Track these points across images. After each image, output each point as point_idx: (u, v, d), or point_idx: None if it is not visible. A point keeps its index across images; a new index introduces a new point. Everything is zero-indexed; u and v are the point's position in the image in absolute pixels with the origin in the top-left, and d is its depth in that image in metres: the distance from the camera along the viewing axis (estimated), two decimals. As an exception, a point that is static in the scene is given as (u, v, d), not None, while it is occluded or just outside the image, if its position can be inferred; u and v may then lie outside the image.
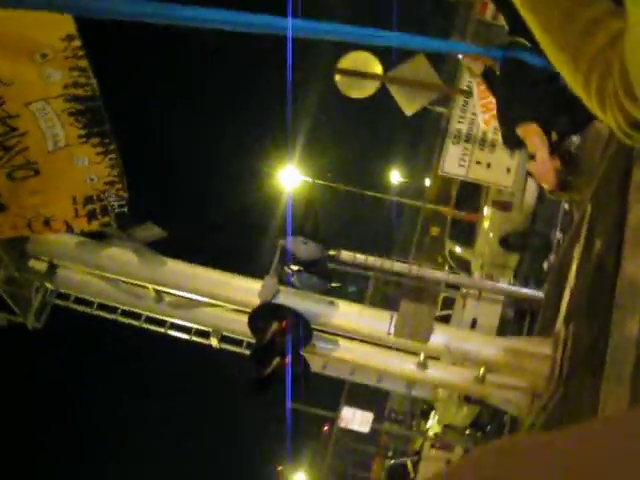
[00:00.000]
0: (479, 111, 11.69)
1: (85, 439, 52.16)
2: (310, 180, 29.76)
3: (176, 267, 11.22)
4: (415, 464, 23.84)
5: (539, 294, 15.87)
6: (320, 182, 30.61)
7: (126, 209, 7.48)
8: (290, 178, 28.34)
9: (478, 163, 13.89)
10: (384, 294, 23.39)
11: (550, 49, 1.54)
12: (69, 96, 6.78)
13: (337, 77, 14.06)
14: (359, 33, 5.59)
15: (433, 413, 29.14)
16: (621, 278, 8.55)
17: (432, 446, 24.59)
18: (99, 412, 50.20)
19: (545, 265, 17.35)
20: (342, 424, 20.57)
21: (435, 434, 27.54)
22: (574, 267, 11.73)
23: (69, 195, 7.40)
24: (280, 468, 45.04)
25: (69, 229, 7.80)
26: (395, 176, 46.57)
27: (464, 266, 22.35)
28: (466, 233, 22.55)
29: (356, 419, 19.37)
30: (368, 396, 27.02)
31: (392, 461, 33.01)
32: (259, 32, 4.91)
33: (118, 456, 52.25)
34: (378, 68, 13.99)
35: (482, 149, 13.83)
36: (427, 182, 38.58)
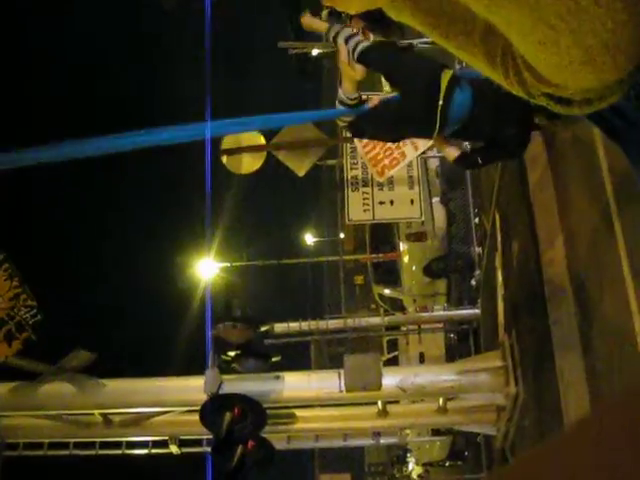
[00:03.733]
0: (370, 166, 11.85)
1: None
2: (228, 264, 29.72)
3: (115, 386, 11.03)
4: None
5: (475, 311, 15.98)
6: (237, 264, 30.56)
7: (39, 317, 7.33)
8: (207, 268, 28.22)
9: (381, 203, 14.00)
10: (330, 353, 23.35)
11: (466, 52, 1.73)
12: None
13: (224, 159, 14.10)
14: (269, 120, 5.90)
15: (409, 455, 29.03)
16: (545, 272, 8.69)
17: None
18: None
19: (473, 282, 17.48)
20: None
21: (419, 475, 27.41)
22: (499, 276, 11.86)
23: None
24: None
25: None
26: (309, 238, 46.78)
27: (397, 305, 22.43)
28: (390, 273, 22.66)
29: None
30: (342, 456, 26.85)
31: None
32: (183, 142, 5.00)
33: None
34: (260, 139, 14.08)
35: (381, 189, 13.95)
36: (341, 235, 38.84)
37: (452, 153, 6.41)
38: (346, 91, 6.39)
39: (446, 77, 5.85)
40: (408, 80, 5.98)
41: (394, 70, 6.16)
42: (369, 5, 1.77)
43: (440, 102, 5.82)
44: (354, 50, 6.21)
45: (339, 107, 6.49)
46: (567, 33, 1.43)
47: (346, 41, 6.27)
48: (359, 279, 35.21)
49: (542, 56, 1.52)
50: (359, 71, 6.22)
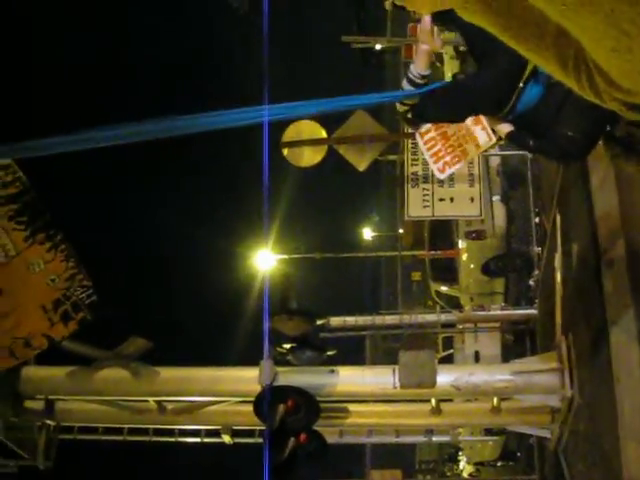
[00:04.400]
0: (431, 162, 11.76)
1: None
2: (285, 256, 29.84)
3: (170, 374, 11.11)
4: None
5: (533, 311, 15.86)
6: (295, 256, 30.67)
7: (95, 297, 7.40)
8: (265, 260, 28.35)
9: (441, 200, 13.96)
10: (386, 349, 23.32)
11: (537, 55, 1.76)
12: (2, 199, 6.72)
13: (285, 151, 14.16)
14: (324, 104, 5.83)
15: (461, 454, 28.93)
16: (605, 275, 8.60)
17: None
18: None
19: (532, 282, 17.36)
20: (373, 488, 20.32)
21: (470, 474, 27.32)
22: (559, 276, 11.74)
23: (37, 306, 7.30)
24: None
25: (50, 341, 7.67)
26: (367, 233, 46.69)
27: (454, 303, 22.35)
28: (448, 271, 22.64)
29: (386, 479, 19.15)
30: (393, 453, 26.81)
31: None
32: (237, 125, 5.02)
33: None
34: (322, 133, 14.12)
35: (442, 185, 13.91)
36: (400, 230, 38.74)
37: (505, 129, 6.32)
38: (419, 67, 6.21)
39: (532, 63, 5.78)
40: (495, 53, 5.87)
41: (482, 39, 6.04)
42: (441, 6, 1.78)
43: (521, 84, 5.77)
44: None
45: (406, 87, 6.35)
46: (639, 39, 1.42)
47: None
48: (416, 275, 35.13)
49: (615, 62, 1.51)
50: (438, 42, 6.13)
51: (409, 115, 6.65)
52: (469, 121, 9.89)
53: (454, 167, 12.02)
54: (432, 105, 6.38)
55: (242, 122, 5.04)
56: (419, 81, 6.16)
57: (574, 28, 1.52)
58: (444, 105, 6.45)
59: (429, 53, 6.17)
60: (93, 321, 8.21)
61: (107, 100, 37.06)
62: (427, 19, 5.99)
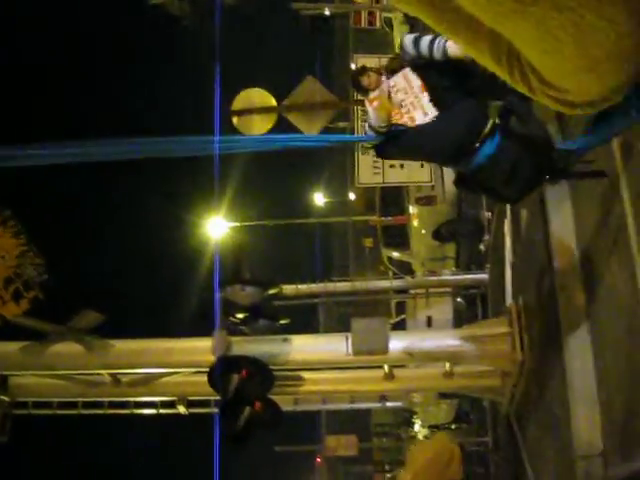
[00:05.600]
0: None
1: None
2: (237, 224, 29.77)
3: (123, 346, 11.08)
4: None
5: (484, 276, 16.00)
6: (247, 224, 30.62)
7: (46, 275, 7.34)
8: (217, 227, 28.24)
9: (391, 167, 13.99)
10: (339, 314, 23.43)
11: (472, 47, 1.78)
12: None
13: (234, 119, 14.07)
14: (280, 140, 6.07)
15: (415, 418, 29.22)
16: (553, 241, 8.70)
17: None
18: None
19: (482, 247, 17.50)
20: (329, 454, 20.49)
21: (424, 437, 27.61)
22: (508, 241, 11.87)
23: None
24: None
25: (2, 319, 7.61)
26: (319, 198, 46.66)
27: (406, 268, 22.47)
28: (399, 237, 22.72)
29: (341, 445, 19.31)
30: (348, 418, 27.00)
31: (388, 475, 32.95)
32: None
33: None
34: (272, 100, 14.05)
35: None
36: (351, 196, 38.78)
37: None
38: (380, 120, 6.54)
39: (491, 124, 6.02)
40: (459, 108, 6.15)
41: (441, 88, 6.30)
42: None
43: (476, 145, 6.05)
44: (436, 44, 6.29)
45: (369, 132, 6.64)
46: (571, 44, 1.46)
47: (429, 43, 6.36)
48: (368, 242, 35.25)
49: (546, 63, 1.55)
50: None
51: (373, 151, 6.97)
52: (417, 88, 9.90)
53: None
54: (394, 148, 6.67)
55: (194, 152, 5.15)
56: (381, 130, 6.48)
57: (506, 31, 1.56)
58: (404, 150, 6.76)
59: (384, 108, 6.46)
60: (45, 297, 8.18)
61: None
62: (384, 87, 6.32)
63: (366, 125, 6.68)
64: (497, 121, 6.11)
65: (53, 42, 41.00)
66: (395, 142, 6.66)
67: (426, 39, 6.37)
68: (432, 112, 7.18)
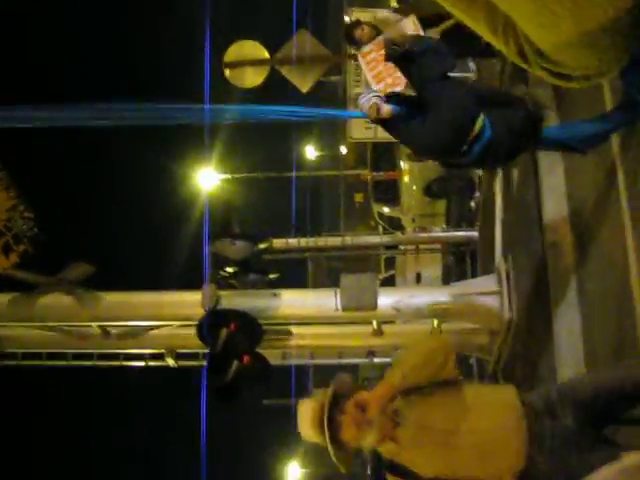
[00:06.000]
0: (373, 83, 11.67)
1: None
2: (228, 176, 29.64)
3: (113, 299, 11.10)
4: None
5: (473, 233, 15.99)
6: (238, 176, 30.51)
7: (36, 229, 7.32)
8: (208, 179, 28.10)
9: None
10: (328, 269, 23.42)
11: (468, 17, 1.80)
12: None
13: (227, 72, 13.99)
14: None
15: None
16: (543, 200, 8.71)
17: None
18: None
19: (473, 204, 17.49)
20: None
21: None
22: (499, 200, 11.86)
23: None
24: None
25: None
26: (310, 151, 46.45)
27: (396, 224, 22.48)
28: (390, 192, 22.70)
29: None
30: (336, 373, 27.12)
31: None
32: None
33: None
34: (264, 53, 13.97)
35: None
36: (343, 150, 38.62)
37: None
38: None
39: (479, 124, 5.96)
40: (444, 111, 6.05)
41: (429, 92, 6.17)
42: None
43: (465, 147, 6.01)
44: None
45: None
46: (568, 18, 1.46)
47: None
48: (359, 197, 35.23)
49: (543, 36, 1.54)
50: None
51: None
52: None
53: (396, 88, 11.96)
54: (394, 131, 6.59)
55: (185, 120, 5.17)
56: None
57: (503, 5, 1.55)
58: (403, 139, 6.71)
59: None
60: (35, 251, 8.17)
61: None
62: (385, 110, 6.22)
63: (360, 99, 6.57)
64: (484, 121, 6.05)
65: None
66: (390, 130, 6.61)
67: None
68: None
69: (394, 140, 17.65)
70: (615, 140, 6.53)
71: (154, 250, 40.34)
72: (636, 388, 4.24)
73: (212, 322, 10.46)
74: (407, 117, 6.36)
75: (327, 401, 4.20)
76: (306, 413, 4.34)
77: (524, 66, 1.71)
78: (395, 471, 4.25)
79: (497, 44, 1.71)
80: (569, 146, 6.67)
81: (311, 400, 4.36)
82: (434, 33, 9.86)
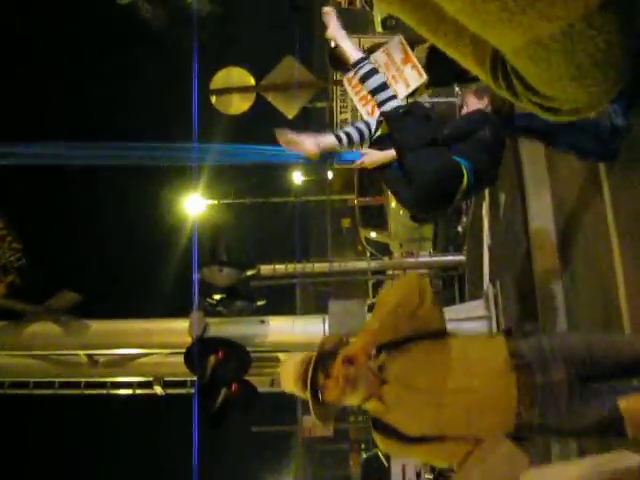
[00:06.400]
0: (359, 106, 11.68)
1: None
2: (215, 202, 29.67)
3: (100, 327, 11.06)
4: (386, 453, 23.86)
5: (461, 258, 16.03)
6: (226, 202, 30.55)
7: (24, 260, 7.31)
8: (195, 205, 28.11)
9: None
10: (316, 294, 23.41)
11: (455, 51, 1.74)
12: None
13: (213, 99, 14.01)
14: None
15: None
16: (531, 225, 8.72)
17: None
18: None
19: (460, 228, 17.51)
20: (305, 434, 20.49)
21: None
22: (486, 225, 11.88)
23: None
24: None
25: None
26: (297, 177, 46.46)
27: (383, 249, 22.50)
28: (377, 217, 22.73)
29: (318, 425, 19.33)
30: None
31: (365, 455, 33.10)
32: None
33: None
34: (250, 80, 14.00)
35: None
36: (330, 176, 38.68)
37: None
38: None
39: (465, 179, 5.94)
40: (425, 178, 6.00)
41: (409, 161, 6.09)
42: None
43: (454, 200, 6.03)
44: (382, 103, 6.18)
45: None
46: (559, 52, 1.45)
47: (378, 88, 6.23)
48: (346, 222, 35.27)
49: (532, 70, 1.53)
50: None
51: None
52: (399, 60, 9.81)
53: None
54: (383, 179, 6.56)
55: (172, 160, 5.18)
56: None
57: (492, 39, 1.54)
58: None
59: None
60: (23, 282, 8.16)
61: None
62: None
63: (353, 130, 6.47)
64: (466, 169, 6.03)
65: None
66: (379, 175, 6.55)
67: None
68: (414, 82, 7.08)
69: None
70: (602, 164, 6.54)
71: (141, 277, 40.27)
72: (636, 361, 4.10)
73: (200, 350, 10.41)
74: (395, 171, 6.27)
75: (312, 362, 4.02)
76: (290, 371, 4.19)
77: (513, 100, 1.69)
78: (381, 429, 4.12)
79: (485, 78, 1.69)
80: (541, 134, 6.66)
81: (296, 358, 4.24)
82: (422, 50, 9.89)
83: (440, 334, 4.16)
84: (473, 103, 6.41)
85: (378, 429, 4.13)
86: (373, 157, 6.25)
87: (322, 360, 4.05)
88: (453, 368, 4.02)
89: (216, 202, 29.88)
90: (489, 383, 4.00)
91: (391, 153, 6.12)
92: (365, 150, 6.34)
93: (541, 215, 8.60)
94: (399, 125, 6.12)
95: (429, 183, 5.92)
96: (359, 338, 4.14)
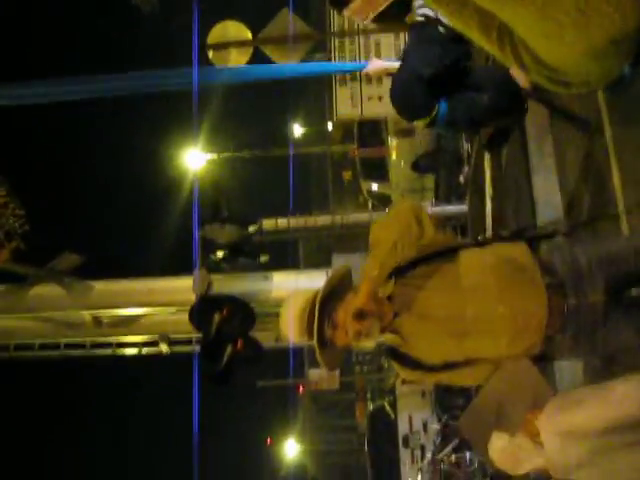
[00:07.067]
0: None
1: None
2: (215, 157, 29.53)
3: (104, 287, 11.08)
4: (392, 404, 24.00)
5: (463, 207, 15.93)
6: (225, 155, 30.39)
7: (27, 226, 7.30)
8: (195, 159, 27.95)
9: (370, 99, 13.90)
10: (319, 245, 23.40)
11: (459, 22, 1.74)
12: None
13: (210, 53, 13.90)
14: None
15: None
16: (534, 180, 8.67)
17: (403, 382, 24.83)
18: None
19: (461, 178, 17.40)
20: (311, 387, 20.60)
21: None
22: (488, 175, 11.80)
23: None
24: (269, 440, 45.27)
25: None
26: (297, 129, 46.21)
27: (385, 200, 22.44)
28: (378, 169, 22.66)
29: (324, 379, 19.44)
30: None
31: (371, 405, 33.30)
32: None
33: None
34: (247, 33, 13.87)
35: (369, 84, 13.81)
36: (329, 126, 38.48)
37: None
38: None
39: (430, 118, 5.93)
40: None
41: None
42: None
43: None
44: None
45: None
46: (571, 28, 1.42)
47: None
48: (347, 174, 35.15)
49: (545, 46, 1.51)
50: None
51: None
52: None
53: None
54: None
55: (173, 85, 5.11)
56: None
57: (504, 15, 1.50)
58: None
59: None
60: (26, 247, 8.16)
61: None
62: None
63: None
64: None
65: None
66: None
67: None
68: None
69: (381, 117, 17.66)
70: (605, 114, 6.47)
71: (142, 235, 40.21)
72: None
73: (204, 308, 10.44)
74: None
75: (317, 312, 3.58)
76: (294, 321, 3.72)
77: (520, 70, 1.66)
78: (399, 358, 3.74)
79: (491, 49, 1.65)
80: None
81: (297, 304, 3.86)
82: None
83: (451, 251, 3.71)
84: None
85: (396, 358, 3.78)
86: (377, 65, 6.69)
87: (327, 306, 3.61)
88: (473, 291, 3.58)
89: (216, 156, 29.70)
90: (515, 307, 3.54)
91: (395, 64, 6.27)
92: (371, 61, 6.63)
93: (543, 169, 8.55)
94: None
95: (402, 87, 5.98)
96: (362, 288, 3.65)
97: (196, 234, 11.51)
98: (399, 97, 6.03)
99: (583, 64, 1.51)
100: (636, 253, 3.60)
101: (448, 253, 3.69)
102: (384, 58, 11.57)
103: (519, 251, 3.68)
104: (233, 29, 13.83)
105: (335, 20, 14.40)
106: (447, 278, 3.63)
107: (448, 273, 3.64)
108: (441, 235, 3.76)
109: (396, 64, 6.22)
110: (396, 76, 6.05)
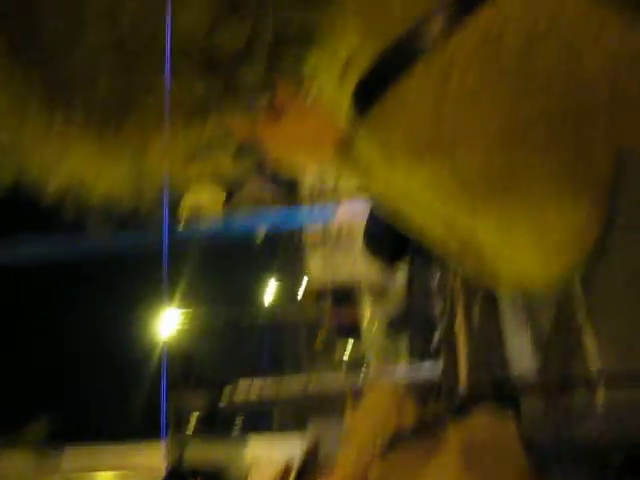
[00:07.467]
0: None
1: None
2: (184, 326, 29.47)
3: (73, 452, 10.89)
4: None
5: (437, 367, 15.93)
6: (195, 323, 30.34)
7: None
8: (165, 320, 27.83)
9: (343, 262, 14.08)
10: (295, 409, 23.16)
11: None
12: None
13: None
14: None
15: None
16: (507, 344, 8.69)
17: None
18: None
19: (435, 339, 17.48)
20: None
21: None
22: (461, 339, 11.88)
23: None
24: None
25: None
26: (269, 294, 46.19)
27: (360, 359, 22.38)
28: (351, 329, 22.67)
29: None
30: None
31: None
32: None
33: None
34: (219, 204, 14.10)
35: (340, 243, 14.00)
36: (302, 289, 38.57)
37: None
38: None
39: None
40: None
41: None
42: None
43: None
44: None
45: None
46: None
47: None
48: (321, 334, 35.07)
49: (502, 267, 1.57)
50: None
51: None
52: None
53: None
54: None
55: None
56: None
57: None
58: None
59: None
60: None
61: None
62: None
63: None
64: None
65: None
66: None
67: None
68: None
69: (354, 280, 17.80)
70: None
71: (113, 398, 39.67)
72: None
73: (177, 477, 10.24)
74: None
75: None
76: None
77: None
78: None
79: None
80: None
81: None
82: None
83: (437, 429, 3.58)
84: None
85: None
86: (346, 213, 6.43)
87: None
88: (462, 469, 3.39)
89: (185, 326, 29.64)
90: None
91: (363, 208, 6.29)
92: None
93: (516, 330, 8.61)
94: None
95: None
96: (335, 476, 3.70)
97: (163, 404, 11.39)
98: (369, 237, 6.03)
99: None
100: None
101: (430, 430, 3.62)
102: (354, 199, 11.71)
103: (508, 433, 3.64)
104: (206, 200, 14.05)
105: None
106: (428, 458, 3.55)
107: (436, 449, 3.54)
108: (426, 416, 3.69)
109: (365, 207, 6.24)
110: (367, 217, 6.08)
